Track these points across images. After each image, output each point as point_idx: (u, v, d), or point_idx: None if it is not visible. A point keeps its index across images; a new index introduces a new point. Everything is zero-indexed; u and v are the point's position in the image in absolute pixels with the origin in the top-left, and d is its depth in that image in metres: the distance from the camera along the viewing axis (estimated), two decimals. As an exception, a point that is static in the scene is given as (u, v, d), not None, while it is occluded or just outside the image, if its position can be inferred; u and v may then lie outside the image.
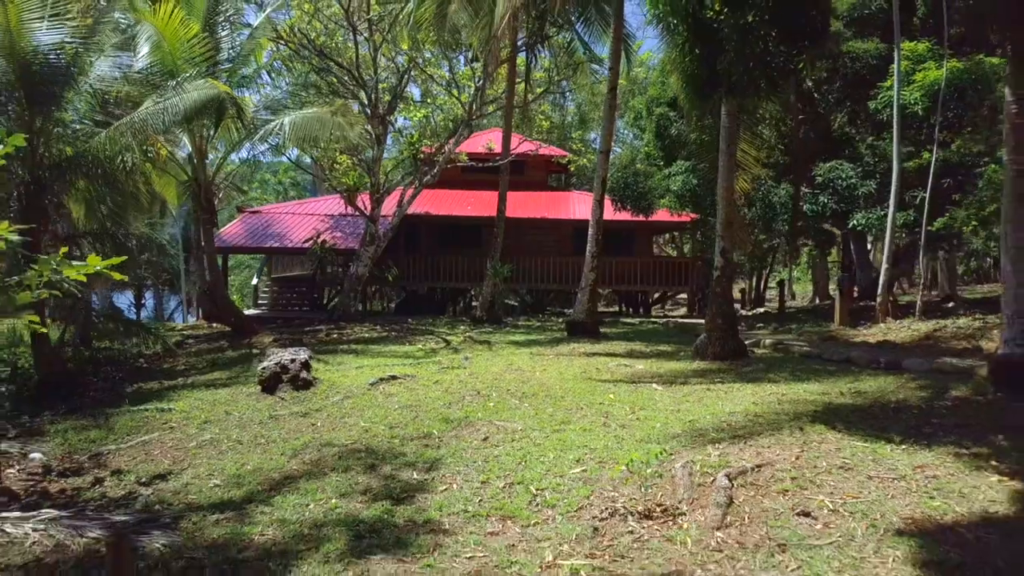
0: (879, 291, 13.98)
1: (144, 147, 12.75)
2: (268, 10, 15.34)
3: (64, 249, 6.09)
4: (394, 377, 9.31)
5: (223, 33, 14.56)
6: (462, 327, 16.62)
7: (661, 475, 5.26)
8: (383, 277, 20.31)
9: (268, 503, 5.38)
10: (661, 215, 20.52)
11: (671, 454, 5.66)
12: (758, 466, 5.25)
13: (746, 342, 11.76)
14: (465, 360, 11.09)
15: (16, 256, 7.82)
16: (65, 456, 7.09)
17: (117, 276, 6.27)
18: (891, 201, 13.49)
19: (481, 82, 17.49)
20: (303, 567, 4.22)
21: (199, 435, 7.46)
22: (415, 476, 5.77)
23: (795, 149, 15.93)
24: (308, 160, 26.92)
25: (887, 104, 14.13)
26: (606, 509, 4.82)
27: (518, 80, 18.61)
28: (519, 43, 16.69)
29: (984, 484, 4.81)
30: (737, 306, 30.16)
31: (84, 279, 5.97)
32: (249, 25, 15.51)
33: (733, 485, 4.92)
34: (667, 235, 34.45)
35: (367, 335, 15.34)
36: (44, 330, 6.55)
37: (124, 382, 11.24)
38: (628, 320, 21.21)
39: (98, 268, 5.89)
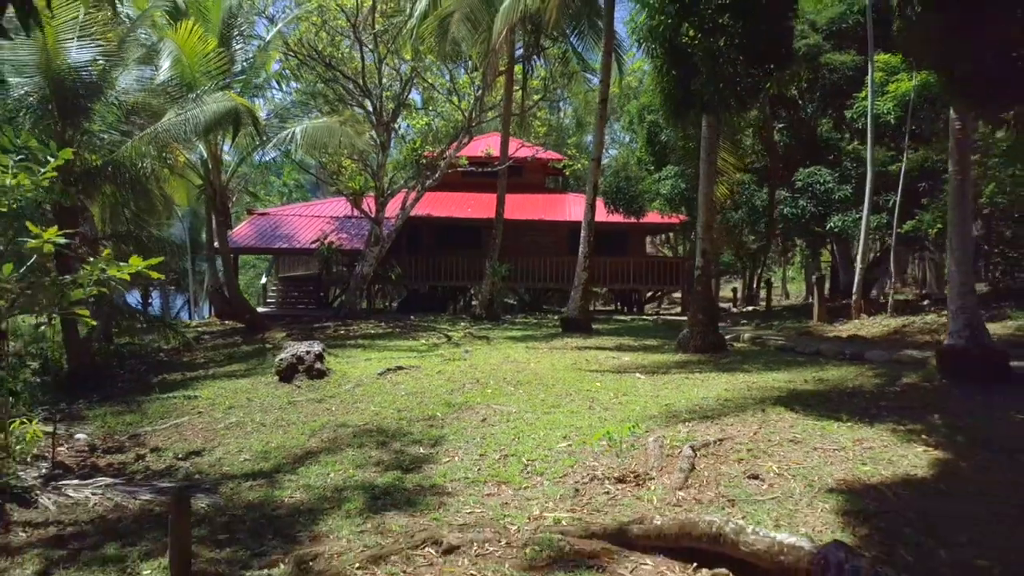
0: (854, 290, 14.69)
1: (163, 154, 13.47)
2: (279, 25, 16.05)
3: (107, 251, 6.83)
4: (400, 368, 10.03)
5: (237, 47, 15.27)
6: (462, 324, 17.33)
7: (636, 448, 5.98)
8: (387, 276, 21.03)
9: (293, 473, 6.10)
10: (652, 217, 21.24)
11: (646, 431, 6.39)
12: (720, 440, 5.98)
13: (727, 337, 12.48)
14: (465, 353, 11.80)
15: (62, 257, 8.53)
16: (107, 437, 7.81)
17: (155, 275, 7.02)
18: (865, 205, 14.20)
19: (480, 91, 18.21)
20: (328, 521, 4.94)
21: (225, 418, 8.18)
22: (421, 451, 6.49)
23: (772, 156, 16.65)
24: (312, 162, 27.62)
25: (862, 113, 14.85)
26: (587, 475, 5.54)
27: (516, 88, 19.33)
28: (516, 54, 17.41)
29: (911, 454, 5.53)
30: (728, 305, 31.01)
31: (128, 278, 6.73)
32: (261, 38, 16.22)
33: (696, 455, 5.64)
34: (663, 236, 35.19)
35: (373, 331, 16.05)
36: (94, 323, 7.22)
37: (148, 374, 11.94)
38: (621, 318, 21.93)
39: (139, 268, 6.65)
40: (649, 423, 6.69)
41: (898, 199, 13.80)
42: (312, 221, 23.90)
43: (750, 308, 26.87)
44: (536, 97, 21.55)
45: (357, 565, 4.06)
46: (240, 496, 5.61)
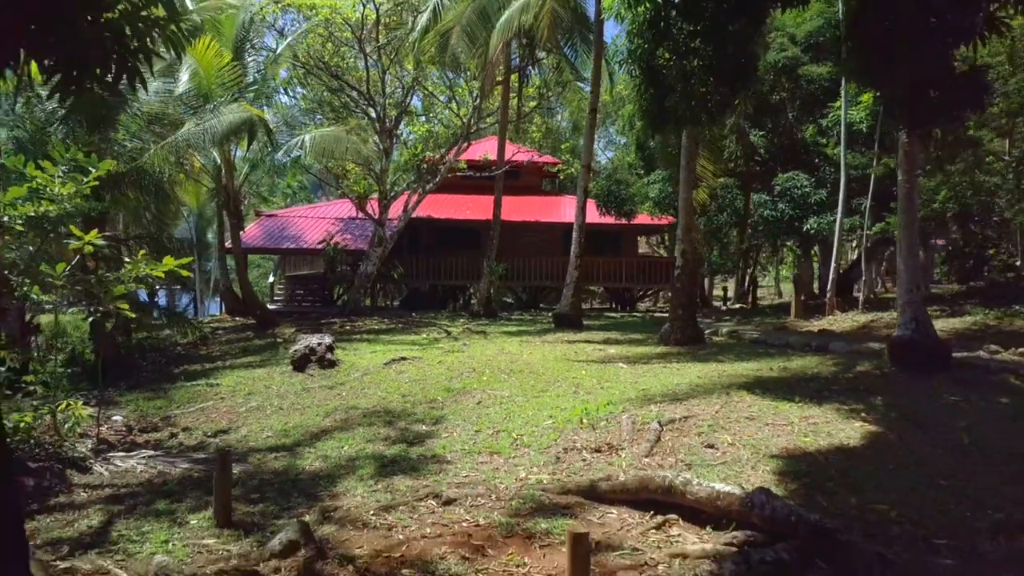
0: (828, 288, 15.47)
1: (181, 161, 14.24)
2: (289, 39, 16.82)
3: (142, 252, 7.58)
4: (404, 358, 10.80)
5: (249, 59, 16.02)
6: (461, 320, 18.08)
7: (611, 424, 6.75)
8: (389, 276, 21.77)
9: (312, 446, 6.87)
10: (643, 219, 22.00)
11: (622, 410, 7.15)
12: (685, 417, 6.75)
13: (707, 331, 13.25)
14: (463, 346, 12.57)
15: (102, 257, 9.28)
16: (140, 419, 8.58)
17: (185, 273, 7.81)
18: (839, 209, 14.98)
19: (478, 100, 18.98)
20: (344, 483, 5.70)
21: (246, 403, 8.95)
22: (424, 428, 7.26)
23: (748, 163, 17.45)
24: (317, 166, 28.38)
25: (837, 122, 15.62)
26: (567, 446, 6.31)
27: (512, 95, 20.10)
28: (512, 65, 18.18)
29: (848, 428, 6.31)
30: (720, 303, 31.79)
31: (163, 275, 7.50)
32: (272, 49, 16.97)
33: (663, 429, 6.42)
34: (659, 236, 35.95)
35: (376, 327, 16.81)
36: (133, 315, 7.97)
37: (169, 365, 12.71)
38: (612, 315, 22.71)
39: (172, 267, 7.40)
40: (626, 404, 7.45)
41: (868, 203, 14.59)
42: (318, 222, 24.65)
43: (738, 306, 27.68)
44: (532, 104, 22.32)
45: (371, 513, 4.83)
46: (266, 465, 6.38)
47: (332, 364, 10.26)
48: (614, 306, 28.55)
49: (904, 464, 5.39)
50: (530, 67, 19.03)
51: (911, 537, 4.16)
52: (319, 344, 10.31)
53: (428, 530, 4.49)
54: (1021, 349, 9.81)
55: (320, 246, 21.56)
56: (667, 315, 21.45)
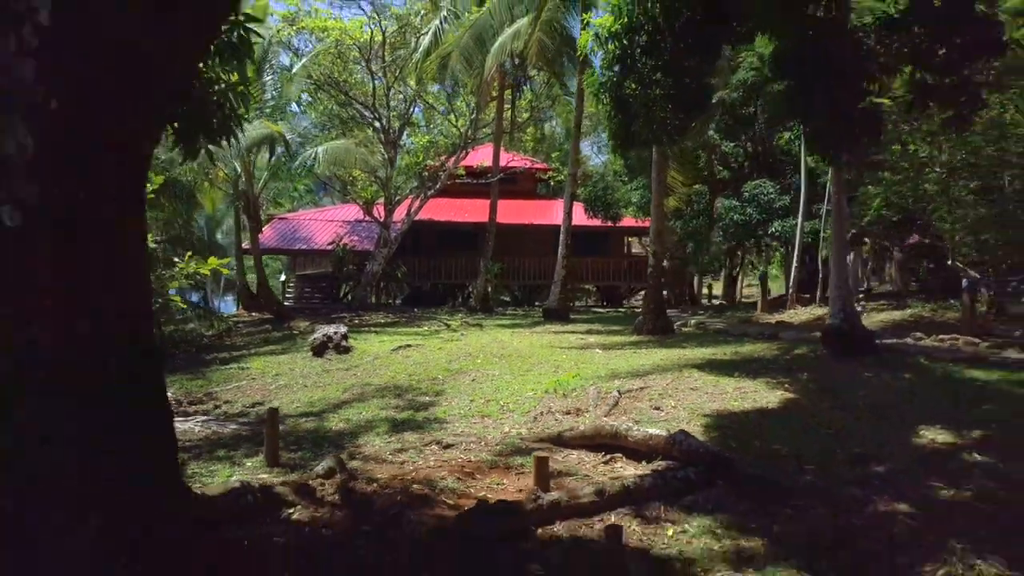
0: (790, 284, 16.78)
1: (207, 171, 15.53)
2: (304, 59, 18.10)
3: (189, 254, 8.87)
4: (408, 346, 12.09)
5: (267, 77, 17.32)
6: (459, 315, 19.38)
7: (580, 394, 8.06)
8: (393, 274, 23.08)
9: (335, 413, 8.16)
10: (628, 221, 23.31)
11: (592, 384, 8.46)
12: (641, 388, 8.06)
13: (678, 323, 14.56)
14: (461, 336, 13.87)
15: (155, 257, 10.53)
16: (186, 394, 9.85)
17: (225, 271, 9.13)
18: (799, 213, 16.29)
19: (475, 114, 20.30)
20: (365, 437, 6.99)
21: (275, 382, 10.24)
22: (427, 399, 8.56)
23: (712, 176, 18.81)
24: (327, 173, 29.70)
25: (799, 135, 16.90)
26: (543, 411, 7.60)
27: (506, 107, 21.39)
28: (506, 83, 19.49)
29: (772, 395, 7.62)
30: (706, 300, 33.11)
31: (208, 273, 8.80)
32: (287, 68, 18.25)
33: (621, 396, 7.73)
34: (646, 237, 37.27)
35: (382, 320, 18.11)
36: (184, 305, 9.26)
37: (199, 353, 13.98)
38: (598, 310, 24.04)
39: (216, 266, 8.70)
40: (595, 380, 8.75)
41: (824, 208, 15.89)
42: (327, 225, 25.94)
43: (721, 302, 29.03)
44: (525, 115, 23.65)
45: (388, 453, 6.14)
46: (300, 427, 7.67)
47: (347, 350, 11.56)
48: (604, 303, 29.89)
49: (805, 420, 6.70)
50: (522, 84, 20.34)
51: (791, 465, 5.47)
52: (335, 333, 11.61)
53: (432, 463, 5.79)
54: (942, 336, 11.13)
55: (330, 247, 22.86)
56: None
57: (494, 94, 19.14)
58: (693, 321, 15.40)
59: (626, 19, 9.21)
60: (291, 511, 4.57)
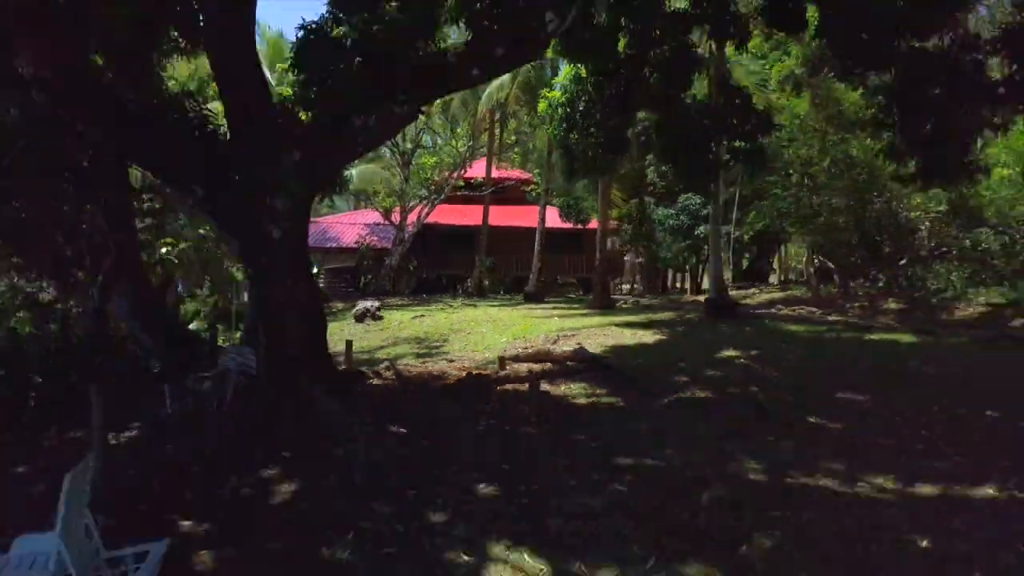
0: (702, 274, 20.84)
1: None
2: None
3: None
4: (423, 316, 16.16)
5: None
6: (459, 299, 23.45)
7: (534, 339, 12.15)
8: (406, 267, 27.13)
9: (378, 352, 12.24)
10: (595, 224, 27.34)
11: (543, 334, 12.54)
12: (572, 335, 12.14)
13: (619, 302, 18.64)
14: (460, 311, 17.95)
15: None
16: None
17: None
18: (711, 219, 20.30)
19: (471, 141, 24.37)
20: (400, 363, 11.07)
21: (332, 338, 14.30)
22: (438, 344, 12.63)
23: (655, 190, 22.92)
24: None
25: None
26: (511, 348, 11.68)
27: (497, 132, 25.43)
28: (495, 118, 23.59)
29: (652, 338, 11.70)
30: (676, 293, 36.98)
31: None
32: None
33: (559, 339, 11.82)
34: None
35: (400, 303, 22.17)
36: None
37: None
38: (571, 295, 28.12)
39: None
40: (547, 332, 12.84)
41: (734, 215, 19.96)
42: (351, 227, 29.95)
43: (684, 291, 33.02)
44: (512, 139, 27.75)
45: (416, 361, 10.24)
46: (358, 358, 11.74)
47: (380, 318, 15.62)
48: (580, 292, 33.95)
49: (665, 351, 10.78)
50: (507, 118, 24.45)
51: (656, 372, 9.56)
52: (371, 306, 15.67)
53: (443, 367, 9.89)
54: (794, 307, 15.23)
55: (356, 245, 26.87)
56: (618, 295, 27.08)
57: (486, 127, 23.19)
58: (631, 300, 19.49)
59: (570, 95, 13.26)
60: (371, 379, 8.68)
